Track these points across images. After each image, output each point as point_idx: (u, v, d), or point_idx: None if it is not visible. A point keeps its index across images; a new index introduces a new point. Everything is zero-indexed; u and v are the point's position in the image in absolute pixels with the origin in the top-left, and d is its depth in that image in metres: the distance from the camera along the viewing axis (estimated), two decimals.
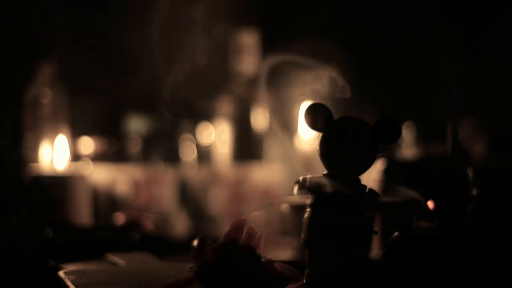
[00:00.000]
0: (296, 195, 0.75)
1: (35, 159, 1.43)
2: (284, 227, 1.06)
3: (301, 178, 0.74)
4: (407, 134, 1.66)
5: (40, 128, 1.44)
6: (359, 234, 0.72)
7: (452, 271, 0.69)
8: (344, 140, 0.71)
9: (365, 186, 0.73)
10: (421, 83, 1.97)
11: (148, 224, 1.26)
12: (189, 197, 1.53)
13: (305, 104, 1.38)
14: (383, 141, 0.73)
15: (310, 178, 0.73)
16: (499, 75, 1.78)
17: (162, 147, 1.74)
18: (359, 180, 0.73)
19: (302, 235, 0.73)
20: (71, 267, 0.96)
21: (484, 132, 1.64)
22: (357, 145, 0.72)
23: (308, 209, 0.73)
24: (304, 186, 0.73)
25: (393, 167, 0.98)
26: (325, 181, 0.73)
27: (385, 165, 0.99)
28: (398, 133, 0.73)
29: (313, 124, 0.73)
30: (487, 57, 1.85)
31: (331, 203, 0.72)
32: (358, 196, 0.72)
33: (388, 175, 0.98)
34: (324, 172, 0.73)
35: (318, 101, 0.75)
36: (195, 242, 0.73)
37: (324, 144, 0.73)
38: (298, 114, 1.53)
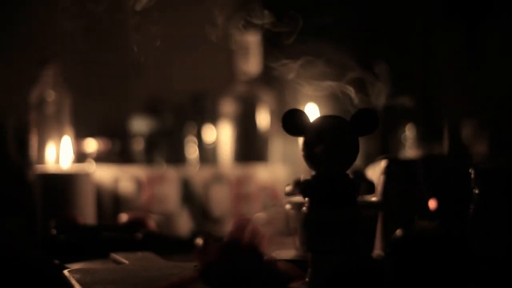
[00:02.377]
0: (288, 193, 0.76)
1: (39, 159, 1.43)
2: (287, 226, 1.07)
3: (295, 180, 0.75)
4: (411, 135, 1.66)
5: (44, 129, 1.45)
6: (358, 230, 0.73)
7: (453, 271, 0.69)
8: (323, 140, 0.73)
9: (353, 181, 0.74)
10: (423, 84, 1.97)
11: (152, 224, 1.26)
12: (192, 197, 1.54)
13: (309, 104, 1.38)
14: (362, 133, 0.74)
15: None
16: (500, 76, 1.78)
17: (165, 147, 1.75)
18: (347, 176, 0.74)
19: (301, 237, 0.74)
20: (75, 266, 0.97)
21: (485, 132, 1.65)
22: (336, 143, 0.73)
23: (303, 211, 0.74)
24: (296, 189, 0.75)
25: (394, 167, 0.99)
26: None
27: (387, 165, 0.99)
28: (376, 122, 0.74)
29: (291, 130, 0.74)
30: (489, 57, 1.85)
31: (325, 202, 0.73)
32: (347, 190, 0.73)
33: (389, 175, 0.98)
34: (312, 173, 0.74)
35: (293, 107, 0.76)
36: (199, 241, 0.74)
37: (306, 147, 0.74)
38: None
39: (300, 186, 0.74)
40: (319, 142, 0.73)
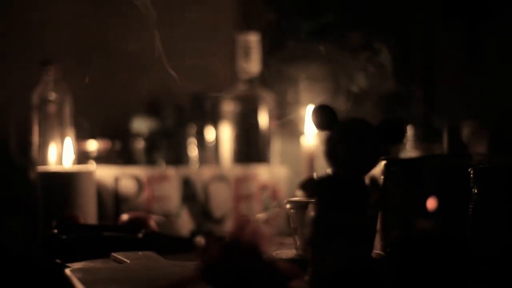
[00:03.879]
0: (299, 194, 0.77)
1: (41, 160, 1.44)
2: (287, 226, 1.07)
3: (306, 179, 0.76)
4: (411, 136, 1.66)
5: (46, 129, 1.45)
6: (362, 233, 0.73)
7: (453, 271, 0.69)
8: (348, 141, 0.73)
9: (367, 187, 0.74)
10: (423, 84, 1.97)
11: (152, 224, 1.27)
12: (192, 197, 1.54)
13: (311, 105, 1.39)
14: (387, 142, 0.74)
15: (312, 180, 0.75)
16: (500, 76, 1.79)
17: (166, 147, 1.75)
18: (362, 180, 0.74)
19: (307, 234, 0.74)
20: (77, 265, 0.97)
21: (485, 132, 1.65)
22: (360, 146, 0.73)
23: (312, 209, 0.74)
24: (307, 188, 0.76)
25: (394, 167, 0.99)
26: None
27: (387, 165, 1.00)
28: (402, 134, 0.74)
29: (319, 125, 0.75)
30: (489, 57, 1.85)
31: (335, 203, 0.73)
32: (361, 195, 0.74)
33: (389, 175, 0.98)
34: (328, 172, 0.74)
35: (323, 102, 0.76)
36: (200, 241, 0.74)
37: (329, 145, 0.74)
38: (304, 114, 1.54)
39: (313, 183, 0.75)
40: (342, 142, 0.73)
